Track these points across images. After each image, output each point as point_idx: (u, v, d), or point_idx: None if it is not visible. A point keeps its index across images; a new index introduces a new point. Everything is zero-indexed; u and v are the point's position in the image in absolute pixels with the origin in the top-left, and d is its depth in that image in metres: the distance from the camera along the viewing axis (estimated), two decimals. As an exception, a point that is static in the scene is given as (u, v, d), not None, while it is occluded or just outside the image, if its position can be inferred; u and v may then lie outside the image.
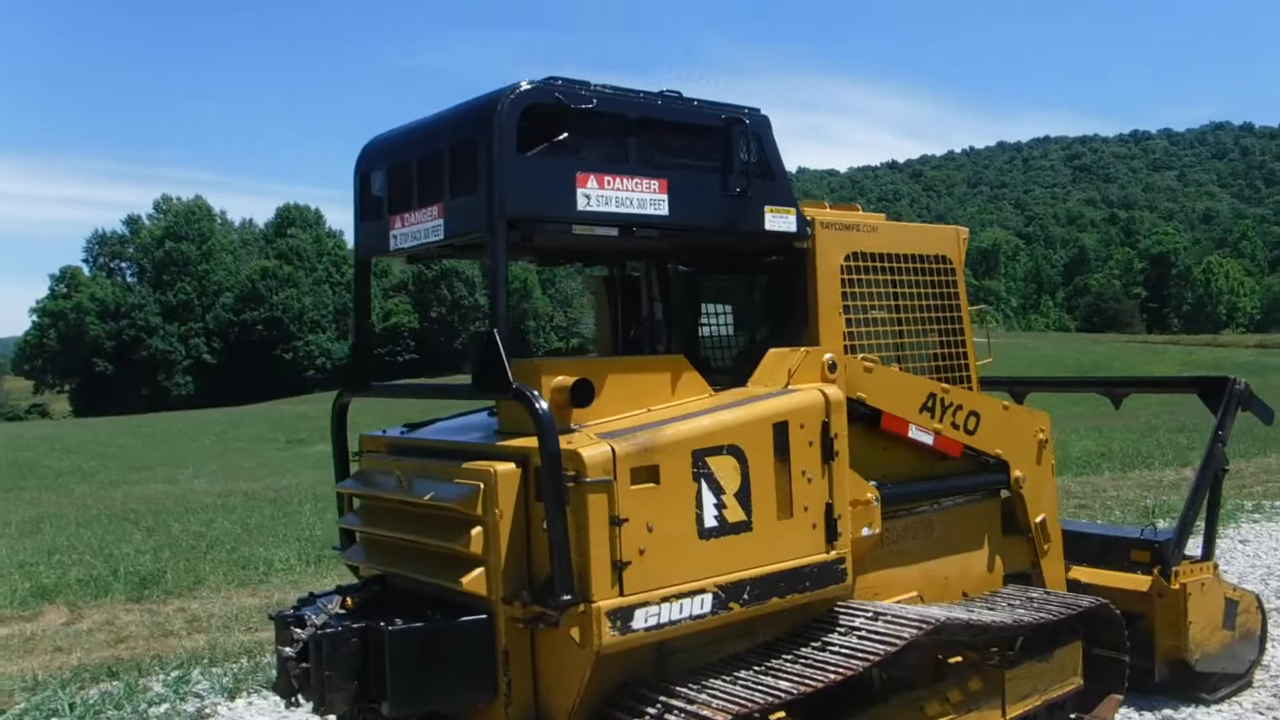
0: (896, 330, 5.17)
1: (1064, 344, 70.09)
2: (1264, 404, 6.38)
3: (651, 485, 3.85)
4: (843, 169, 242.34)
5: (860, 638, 4.40)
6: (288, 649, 3.88)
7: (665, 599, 3.86)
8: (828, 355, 4.75)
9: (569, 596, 3.65)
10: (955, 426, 5.24)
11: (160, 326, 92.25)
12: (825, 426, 4.42)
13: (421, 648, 3.81)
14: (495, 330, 3.81)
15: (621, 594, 3.75)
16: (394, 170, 4.40)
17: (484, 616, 3.90)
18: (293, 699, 4.05)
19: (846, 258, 4.93)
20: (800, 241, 4.77)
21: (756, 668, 4.21)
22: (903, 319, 5.20)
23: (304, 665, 3.92)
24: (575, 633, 3.71)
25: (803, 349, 4.72)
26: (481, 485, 3.85)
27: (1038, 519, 5.67)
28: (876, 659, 4.23)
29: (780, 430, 4.28)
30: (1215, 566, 6.12)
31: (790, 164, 4.97)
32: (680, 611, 3.91)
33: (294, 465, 36.48)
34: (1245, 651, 6.16)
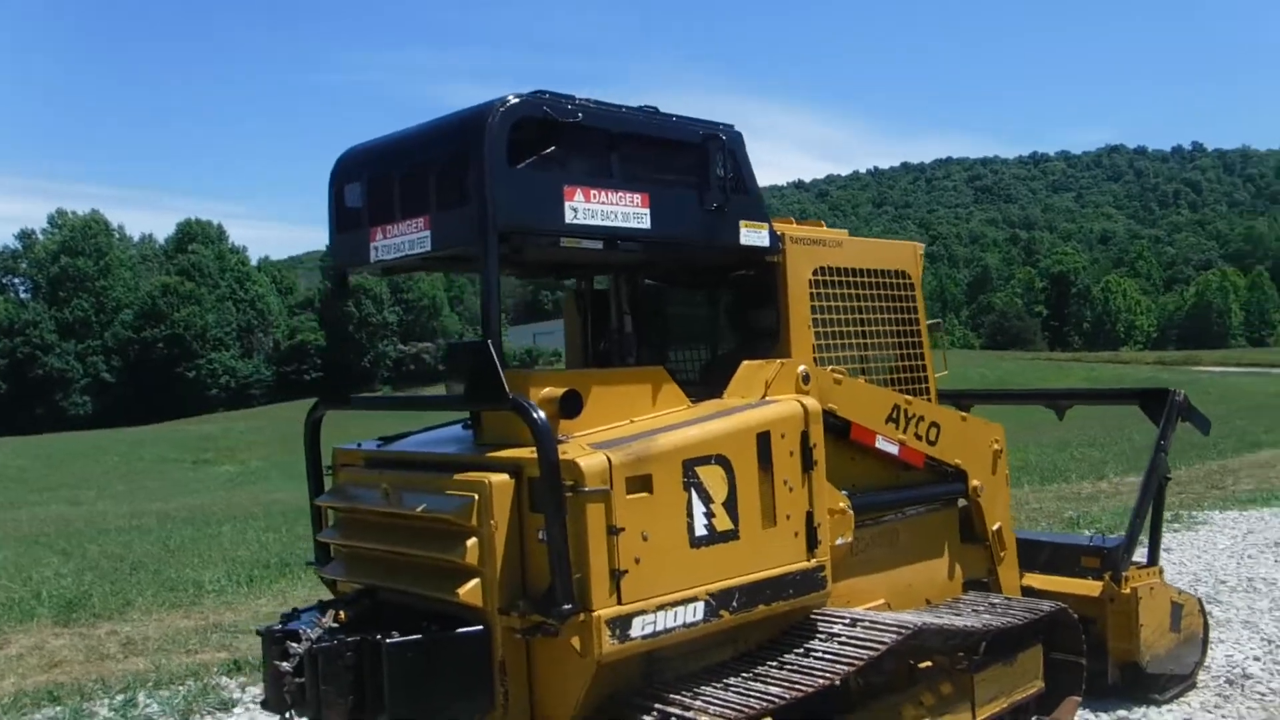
0: (861, 343, 5.28)
1: (970, 361, 71.61)
2: (1202, 415, 6.64)
3: (645, 495, 3.88)
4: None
5: (842, 643, 4.47)
6: (284, 664, 3.81)
7: (660, 607, 3.89)
8: (801, 367, 4.84)
9: (570, 606, 3.66)
10: (918, 437, 5.36)
11: (56, 344, 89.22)
12: (805, 436, 4.51)
13: (419, 660, 3.79)
14: (489, 341, 3.82)
15: (619, 603, 3.77)
16: (374, 181, 4.38)
17: (480, 628, 3.89)
18: (285, 714, 3.97)
19: (814, 272, 5.03)
20: (771, 256, 4.86)
21: (745, 674, 4.26)
22: (866, 332, 5.30)
23: (299, 680, 3.85)
24: (576, 642, 3.72)
25: (778, 361, 4.80)
26: (476, 496, 3.85)
27: (994, 527, 5.83)
28: (862, 663, 4.30)
29: (763, 440, 4.35)
30: (1161, 571, 6.35)
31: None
32: (675, 619, 3.95)
33: (203, 485, 35.65)
34: (1189, 653, 6.39)
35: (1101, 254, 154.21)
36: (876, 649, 4.38)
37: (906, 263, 5.55)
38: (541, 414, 3.73)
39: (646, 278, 5.42)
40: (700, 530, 4.06)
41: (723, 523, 4.14)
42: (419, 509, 4.00)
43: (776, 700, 4.00)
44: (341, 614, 3.94)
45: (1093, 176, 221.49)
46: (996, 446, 5.87)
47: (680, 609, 3.96)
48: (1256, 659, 6.81)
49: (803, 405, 4.55)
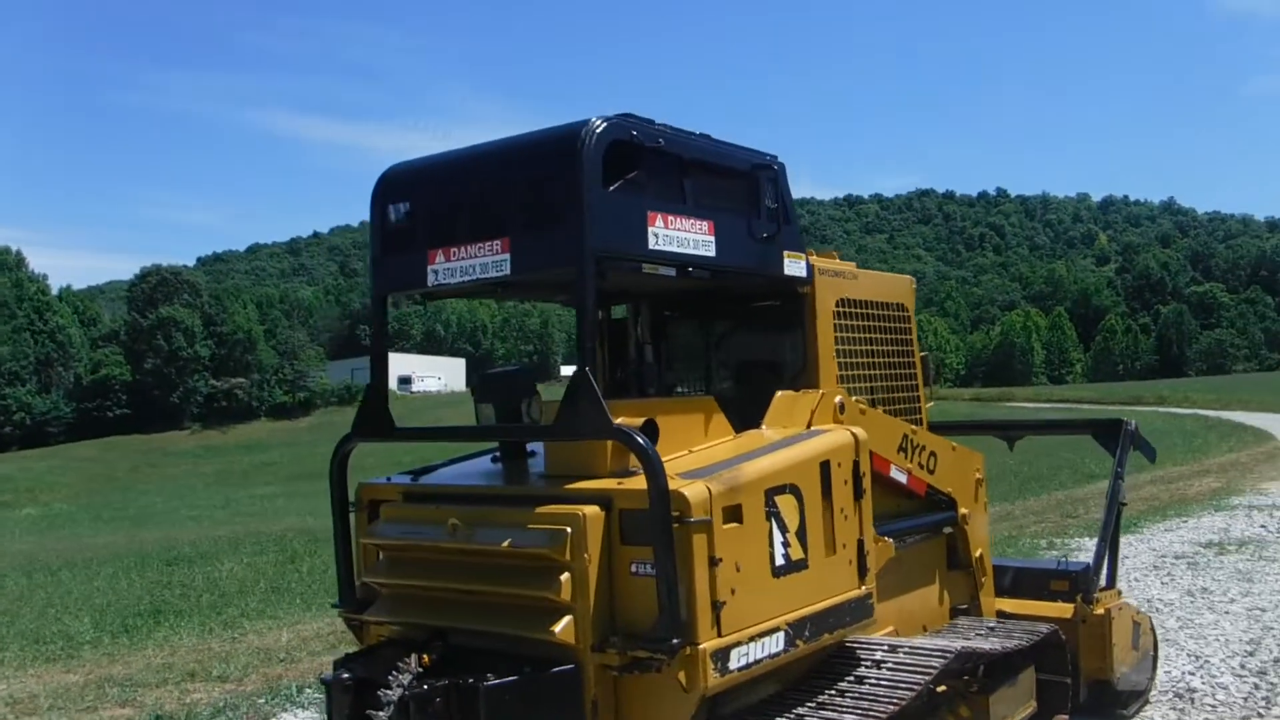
0: (871, 374, 5.34)
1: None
2: (1148, 443, 6.98)
3: (736, 525, 3.81)
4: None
5: (892, 670, 4.47)
6: (380, 714, 3.53)
7: (752, 638, 3.82)
8: (838, 398, 4.85)
9: (678, 640, 3.53)
10: (921, 466, 5.44)
11: None
12: (856, 465, 4.51)
13: (516, 703, 3.60)
14: (588, 369, 3.68)
15: (719, 634, 3.68)
16: (432, 202, 4.17)
17: (572, 667, 3.71)
18: None
19: (837, 304, 5.07)
20: (804, 287, 4.87)
21: (809, 705, 4.20)
22: (875, 364, 5.37)
23: None
24: (682, 676, 3.60)
25: (817, 392, 4.80)
26: (569, 529, 3.68)
27: (977, 554, 5.95)
28: (920, 688, 4.30)
29: (825, 469, 4.33)
30: (1120, 592, 6.60)
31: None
32: (762, 650, 3.89)
33: (3, 529, 33.29)
34: (1145, 670, 6.65)
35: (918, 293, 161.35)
36: (929, 672, 4.40)
37: (904, 295, 5.66)
38: (651, 444, 3.62)
39: (665, 309, 5.36)
40: (779, 560, 4.02)
41: (796, 552, 4.11)
42: (505, 544, 3.78)
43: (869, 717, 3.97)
44: (426, 657, 3.69)
45: (904, 219, 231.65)
46: (978, 475, 6.01)
47: (766, 639, 3.91)
48: (1192, 674, 7.15)
49: (853, 435, 4.56)
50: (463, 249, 4.02)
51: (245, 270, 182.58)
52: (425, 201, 4.19)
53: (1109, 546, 6.61)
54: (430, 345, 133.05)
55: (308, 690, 7.63)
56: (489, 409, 4.56)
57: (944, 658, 4.55)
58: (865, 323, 5.27)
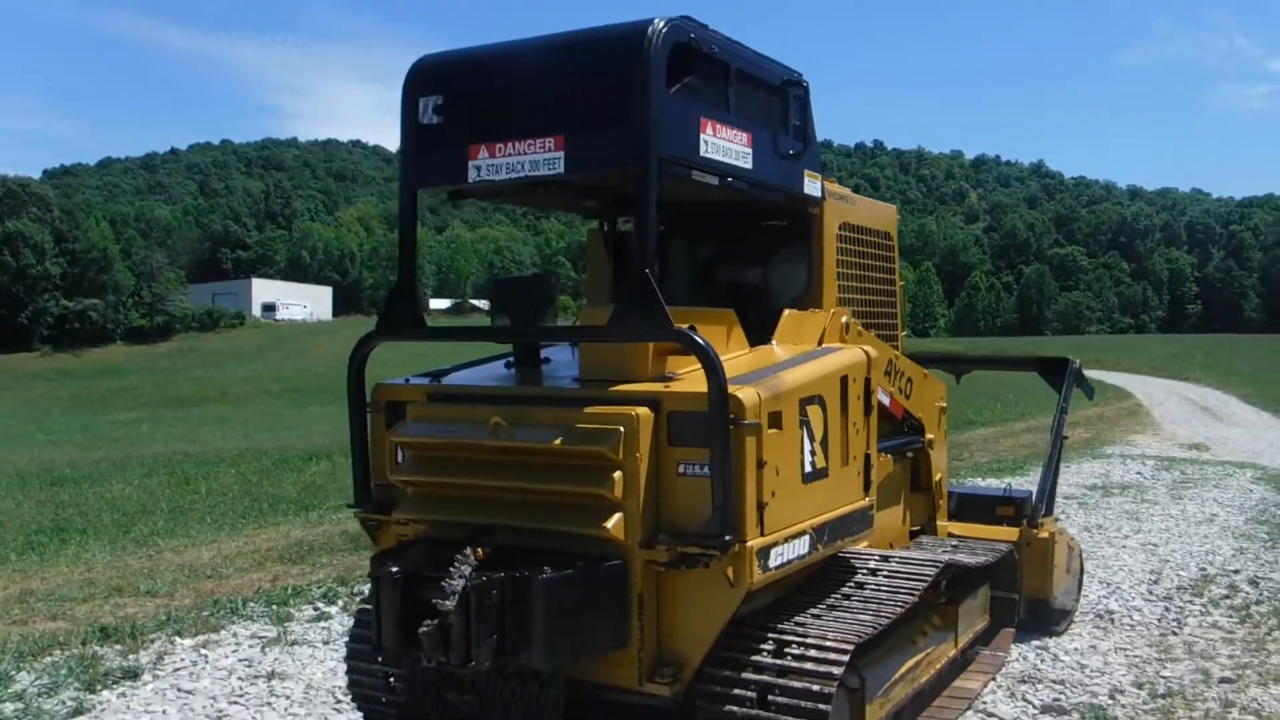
0: (862, 299, 5.53)
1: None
2: (1088, 382, 7.40)
3: (777, 430, 3.94)
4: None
5: (888, 577, 4.71)
6: (446, 603, 3.57)
7: (786, 539, 3.99)
8: (845, 318, 5.03)
9: (730, 537, 3.68)
10: (900, 391, 5.68)
11: None
12: (867, 382, 4.70)
13: (571, 596, 3.68)
14: (648, 270, 3.74)
15: (762, 534, 3.83)
16: (476, 96, 4.12)
17: (620, 562, 3.82)
18: (430, 660, 3.69)
19: (840, 227, 5.22)
20: (815, 208, 5.00)
21: (820, 607, 4.40)
22: (866, 288, 5.56)
23: (445, 622, 3.62)
24: (730, 572, 3.75)
25: (829, 311, 4.96)
26: (622, 429, 3.77)
27: (936, 478, 6.26)
28: (918, 593, 4.56)
29: (843, 384, 4.51)
30: (1056, 519, 7.02)
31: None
32: (792, 552, 4.06)
33: None
34: (1074, 591, 7.11)
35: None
36: (925, 579, 4.66)
37: (890, 224, 5.85)
38: (712, 346, 3.72)
39: (669, 223, 5.40)
40: (808, 467, 4.18)
41: (820, 460, 4.28)
42: (556, 442, 3.84)
43: (872, 628, 4.18)
44: (481, 550, 3.73)
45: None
46: (941, 404, 6.29)
47: (795, 542, 4.08)
48: (1106, 598, 7.65)
49: (866, 353, 4.74)
50: (510, 145, 4.00)
51: (97, 186, 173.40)
52: (466, 95, 4.13)
53: (1051, 476, 7.01)
54: (296, 273, 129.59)
55: (251, 604, 7.55)
56: (503, 316, 4.59)
57: (935, 567, 4.82)
58: (860, 248, 5.45)
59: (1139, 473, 14.79)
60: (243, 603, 7.57)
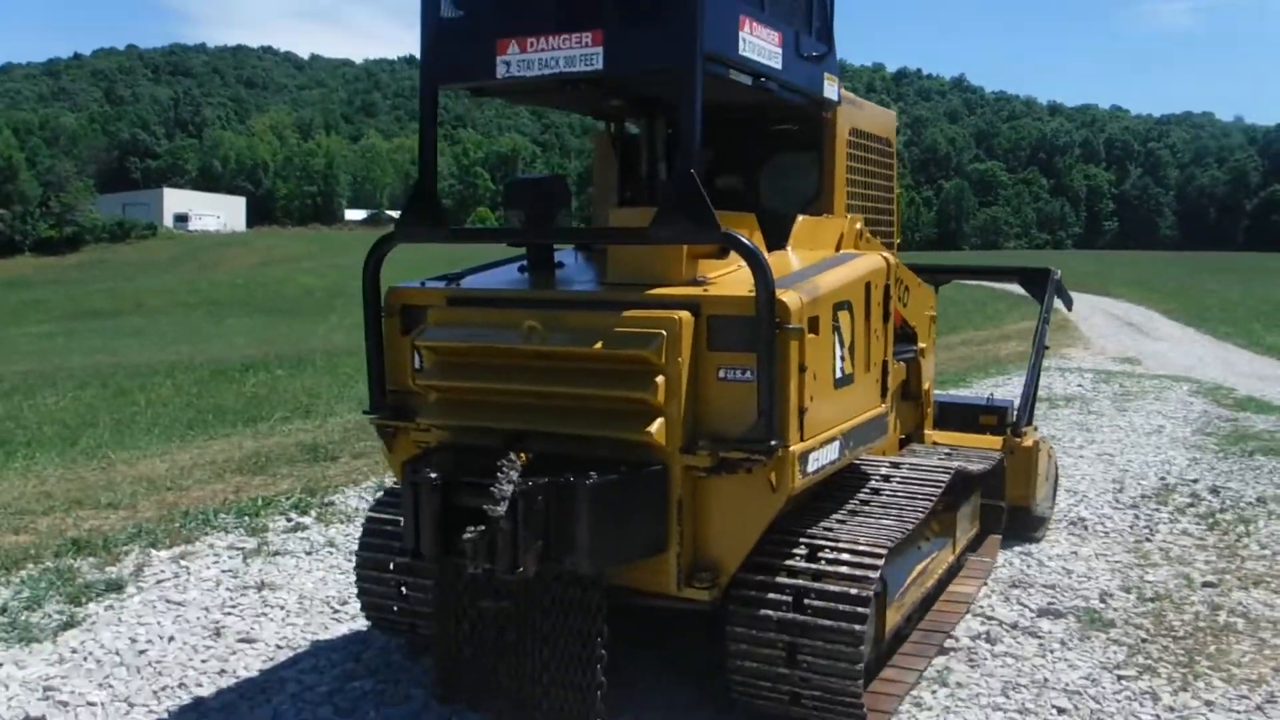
0: (867, 205, 5.47)
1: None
2: (1067, 292, 7.47)
3: (814, 335, 3.89)
4: (358, 59, 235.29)
5: (903, 484, 4.74)
6: (496, 508, 3.48)
7: (821, 445, 3.97)
8: (858, 224, 4.97)
9: (775, 442, 3.63)
10: (898, 299, 5.66)
11: None
12: (887, 289, 4.67)
13: (615, 501, 3.63)
14: (694, 172, 3.64)
15: (802, 439, 3.80)
16: None
17: (660, 467, 3.76)
18: (475, 567, 3.61)
19: (849, 132, 5.14)
20: (829, 112, 4.91)
21: (842, 513, 4.41)
22: (870, 194, 5.50)
23: (481, 528, 3.54)
24: (773, 476, 3.73)
25: (845, 217, 4.90)
26: (665, 333, 3.69)
27: (925, 387, 6.30)
28: (935, 500, 4.60)
29: (867, 290, 4.46)
30: (1035, 428, 7.12)
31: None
32: (826, 458, 4.05)
33: None
34: (1049, 498, 7.26)
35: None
36: (939, 484, 4.70)
37: (890, 130, 5.78)
38: (761, 251, 3.64)
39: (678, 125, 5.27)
40: (839, 372, 4.16)
41: (848, 366, 4.25)
42: (597, 347, 3.74)
43: (900, 532, 4.20)
44: (524, 455, 3.64)
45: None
46: (931, 312, 6.31)
47: (828, 447, 4.07)
48: (1075, 506, 7.82)
49: (886, 259, 4.70)
50: (544, 40, 3.83)
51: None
52: None
53: (1032, 385, 7.09)
54: (207, 182, 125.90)
55: (222, 515, 7.38)
56: (517, 217, 4.46)
57: (948, 473, 4.86)
58: (865, 154, 5.38)
59: (1080, 385, 15.11)
60: (214, 514, 7.39)
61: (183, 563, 6.32)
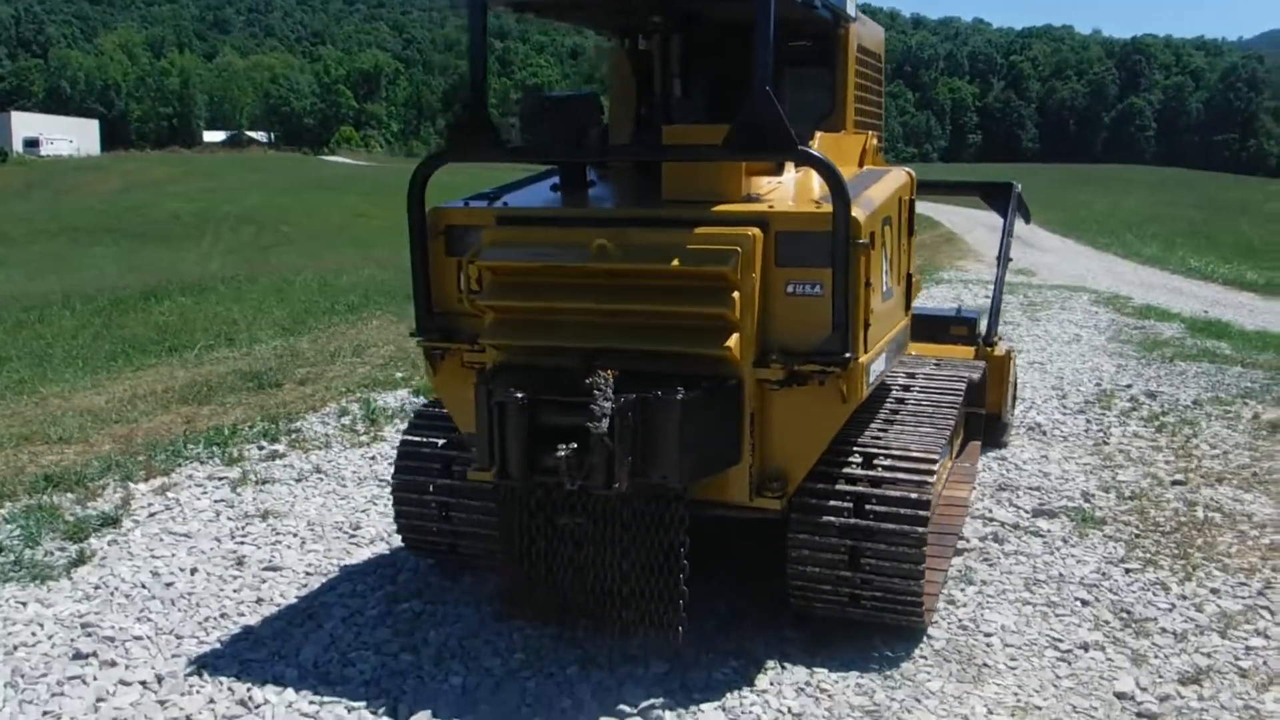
0: (867, 123, 5.56)
1: (457, 169, 72.85)
2: (1026, 206, 7.72)
3: (871, 250, 3.99)
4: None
5: (923, 392, 4.95)
6: (599, 425, 3.50)
7: (877, 356, 4.10)
8: (874, 140, 5.06)
9: (849, 354, 3.74)
10: None
11: None
12: (912, 204, 4.80)
13: (700, 416, 3.70)
14: (769, 89, 3.66)
15: (865, 351, 3.92)
16: None
17: (737, 381, 3.83)
18: (572, 483, 3.64)
19: (858, 49, 5.20)
20: (844, 28, 4.96)
21: (879, 421, 4.57)
22: (868, 110, 5.59)
23: (572, 446, 3.57)
24: (844, 387, 3.84)
25: (865, 134, 4.98)
26: (739, 250, 3.73)
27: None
28: (959, 406, 4.83)
29: (899, 205, 4.58)
30: (1001, 338, 7.40)
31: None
32: (879, 368, 4.19)
33: None
34: (1012, 405, 7.58)
35: (572, 69, 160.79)
36: (959, 393, 4.94)
37: (881, 46, 5.85)
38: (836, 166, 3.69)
39: (693, 43, 5.25)
40: (885, 286, 4.29)
41: (889, 280, 4.39)
42: (674, 264, 3.76)
43: (943, 439, 4.39)
44: (613, 371, 3.65)
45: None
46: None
47: (881, 358, 4.21)
48: (1028, 413, 8.19)
49: (909, 175, 4.81)
50: None
51: None
52: None
53: (998, 297, 7.35)
54: (56, 105, 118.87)
55: (190, 446, 7.19)
56: (547, 135, 4.42)
57: (963, 381, 5.10)
58: (866, 70, 5.45)
59: (987, 297, 15.59)
60: (184, 444, 7.19)
61: (169, 495, 6.16)
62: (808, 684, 3.99)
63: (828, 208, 3.78)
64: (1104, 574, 5.00)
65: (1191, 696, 3.97)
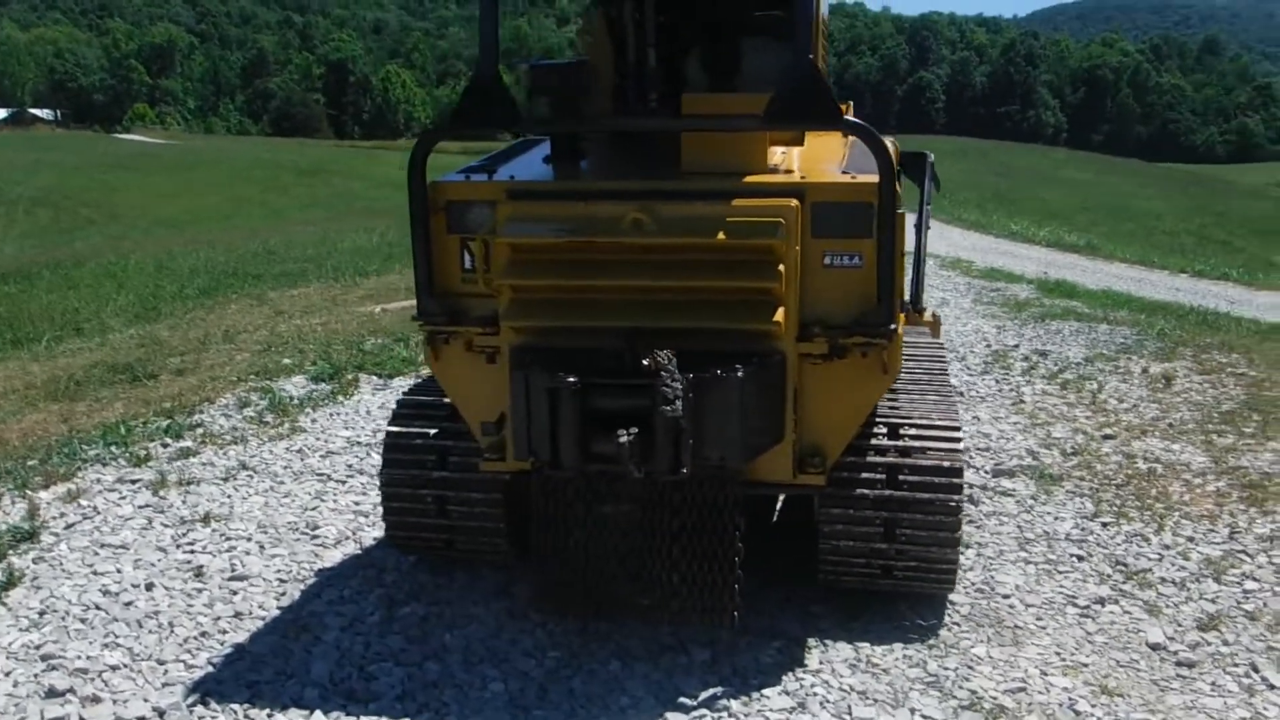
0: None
1: (256, 147, 70.18)
2: (938, 176, 7.85)
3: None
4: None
5: (914, 360, 4.97)
6: (668, 408, 3.32)
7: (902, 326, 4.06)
8: (849, 110, 5.01)
9: (893, 326, 3.68)
10: None
11: None
12: (898, 173, 4.78)
13: (754, 393, 3.58)
14: (812, 57, 3.55)
15: (899, 321, 3.86)
16: None
17: (782, 356, 3.71)
18: (635, 470, 3.43)
19: (821, 15, 5.15)
20: None
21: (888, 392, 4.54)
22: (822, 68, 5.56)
23: (632, 430, 3.38)
24: (886, 357, 3.77)
25: (841, 103, 4.92)
26: (783, 221, 3.60)
27: None
28: (947, 372, 4.89)
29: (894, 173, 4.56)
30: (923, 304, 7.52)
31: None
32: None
33: None
34: (942, 369, 7.74)
35: (375, 44, 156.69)
36: (945, 360, 5.07)
37: (825, 13, 5.81)
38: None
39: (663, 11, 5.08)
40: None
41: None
42: (719, 237, 3.59)
43: (950, 405, 4.41)
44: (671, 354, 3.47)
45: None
46: None
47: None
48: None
49: (893, 142, 4.77)
50: None
51: None
52: None
53: (920, 264, 7.45)
54: None
55: (87, 447, 6.56)
56: (542, 104, 4.19)
57: (940, 347, 5.18)
58: (823, 38, 5.40)
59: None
60: (78, 445, 6.56)
61: (83, 502, 5.59)
62: (858, 660, 3.93)
63: (864, 179, 3.70)
64: (1085, 529, 5.13)
65: (1217, 642, 4.10)
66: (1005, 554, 4.84)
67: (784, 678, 3.80)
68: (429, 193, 3.98)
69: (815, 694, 3.70)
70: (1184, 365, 8.49)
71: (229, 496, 5.67)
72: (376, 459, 6.15)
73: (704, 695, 3.68)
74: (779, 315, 3.64)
